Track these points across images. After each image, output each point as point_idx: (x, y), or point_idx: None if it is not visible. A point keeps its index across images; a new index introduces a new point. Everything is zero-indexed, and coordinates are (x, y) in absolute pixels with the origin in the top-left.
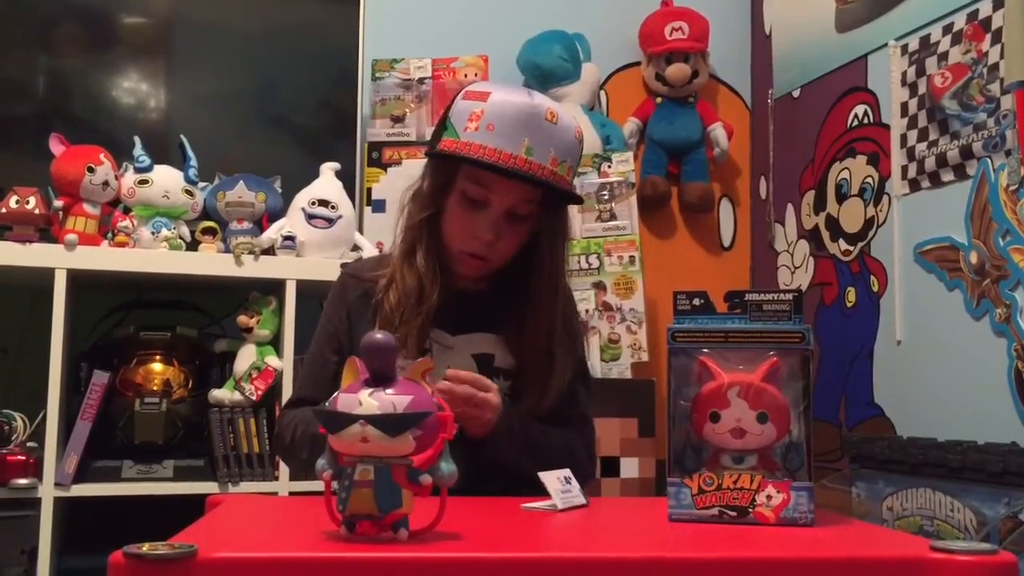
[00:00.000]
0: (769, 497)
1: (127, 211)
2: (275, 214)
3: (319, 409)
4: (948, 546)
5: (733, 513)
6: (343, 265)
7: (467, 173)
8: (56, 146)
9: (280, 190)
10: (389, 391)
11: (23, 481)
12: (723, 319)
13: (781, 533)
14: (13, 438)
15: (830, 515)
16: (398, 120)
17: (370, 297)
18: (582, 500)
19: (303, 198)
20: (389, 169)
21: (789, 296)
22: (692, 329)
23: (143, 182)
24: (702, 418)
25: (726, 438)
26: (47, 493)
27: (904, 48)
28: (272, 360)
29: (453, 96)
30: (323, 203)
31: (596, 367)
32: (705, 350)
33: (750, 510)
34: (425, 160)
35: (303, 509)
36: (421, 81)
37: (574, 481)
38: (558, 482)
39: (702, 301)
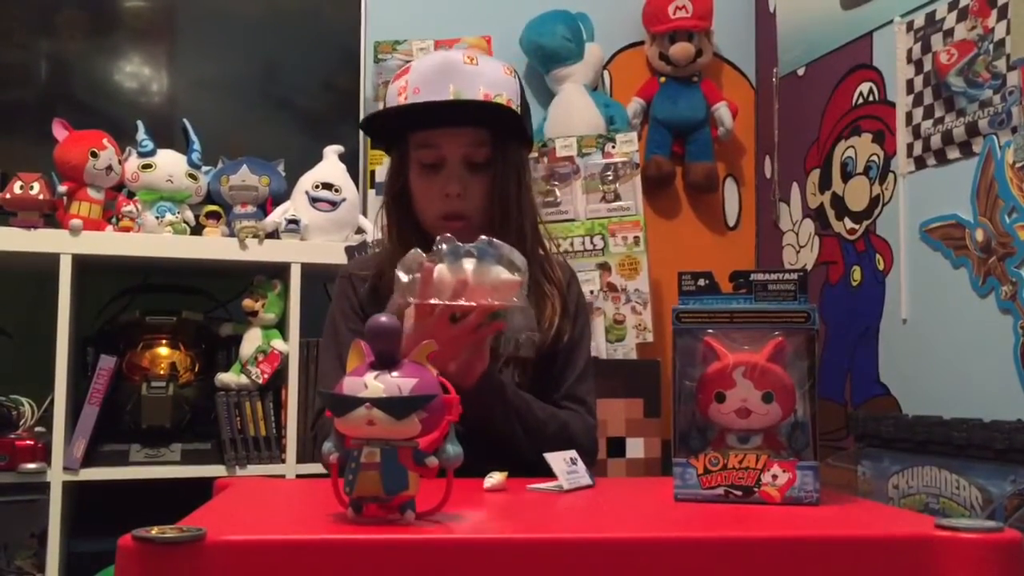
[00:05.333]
0: (775, 476)
1: (131, 196)
2: (279, 197)
3: (325, 393)
4: (953, 524)
5: (739, 492)
6: (346, 254)
7: (415, 142)
8: (59, 131)
9: (284, 173)
10: (394, 374)
11: (32, 465)
12: (728, 299)
13: (787, 512)
14: (21, 423)
15: (835, 494)
16: None
17: (378, 291)
18: (588, 481)
19: (307, 181)
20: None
21: (794, 276)
22: (697, 310)
23: (147, 166)
24: (707, 398)
25: (731, 418)
26: (56, 477)
27: (909, 25)
28: (278, 343)
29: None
30: (327, 186)
31: (601, 348)
32: (710, 330)
33: (756, 489)
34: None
35: (310, 492)
36: None
37: (580, 462)
38: (564, 463)
39: (707, 281)
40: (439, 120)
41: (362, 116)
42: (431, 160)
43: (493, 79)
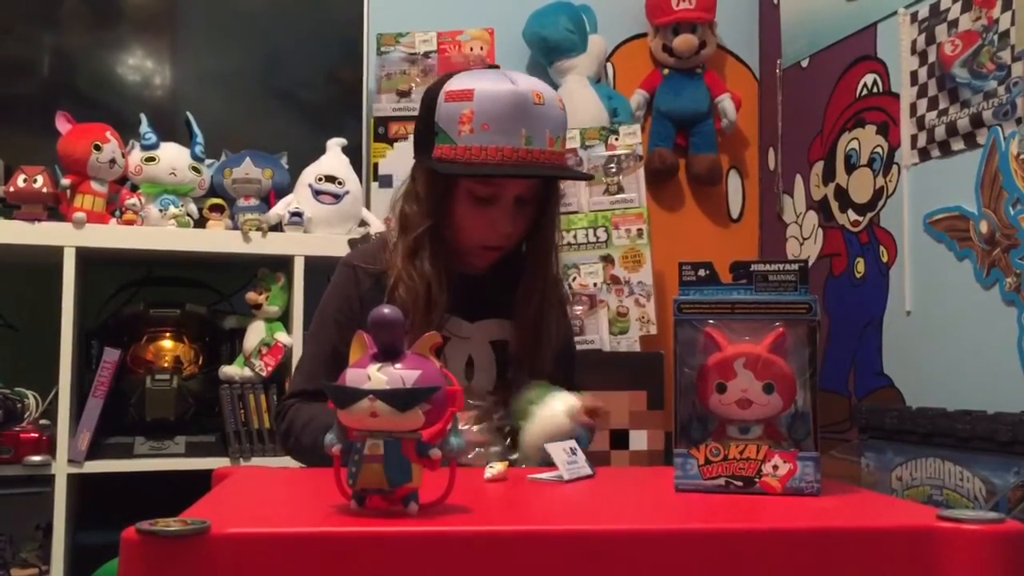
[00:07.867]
0: (775, 467)
1: (134, 189)
2: (282, 190)
3: (328, 385)
4: (955, 515)
5: (739, 483)
6: (349, 247)
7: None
8: (62, 124)
9: (287, 166)
10: (398, 366)
11: (37, 458)
12: (729, 290)
13: (787, 503)
14: (26, 416)
15: (836, 485)
16: (404, 95)
17: (383, 287)
18: (588, 471)
19: (310, 174)
20: (395, 144)
21: (795, 266)
22: (698, 300)
23: (150, 159)
24: (708, 389)
25: (732, 409)
26: (60, 470)
27: (914, 16)
28: (281, 336)
29: (429, 99)
30: (330, 179)
31: (605, 341)
32: (711, 321)
33: (756, 480)
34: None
35: (311, 482)
36: (427, 55)
37: (580, 452)
38: (564, 453)
39: (708, 272)
40: (512, 173)
41: (365, 108)
42: (486, 195)
43: (556, 120)
